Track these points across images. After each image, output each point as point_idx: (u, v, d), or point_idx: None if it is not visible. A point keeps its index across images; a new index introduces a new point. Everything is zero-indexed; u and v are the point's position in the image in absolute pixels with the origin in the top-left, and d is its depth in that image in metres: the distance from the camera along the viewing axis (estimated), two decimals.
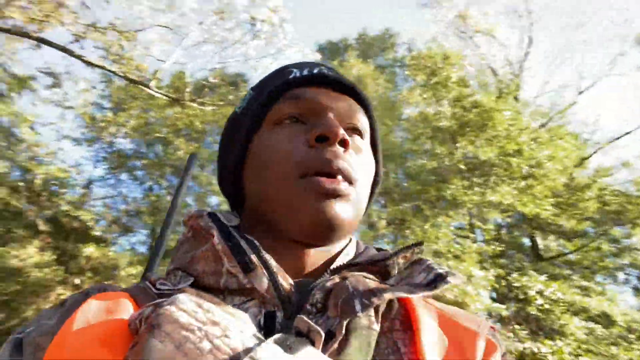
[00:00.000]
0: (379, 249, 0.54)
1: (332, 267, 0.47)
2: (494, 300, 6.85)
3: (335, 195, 0.46)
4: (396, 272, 0.48)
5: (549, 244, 9.94)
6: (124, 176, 10.52)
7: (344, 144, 0.48)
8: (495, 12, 11.24)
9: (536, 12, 11.10)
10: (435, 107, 8.08)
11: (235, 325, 0.36)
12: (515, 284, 6.77)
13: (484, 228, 7.54)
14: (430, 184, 7.64)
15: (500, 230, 9.52)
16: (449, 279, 0.44)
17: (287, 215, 0.47)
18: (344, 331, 0.39)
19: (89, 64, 6.45)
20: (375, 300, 0.40)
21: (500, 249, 8.19)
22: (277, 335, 0.36)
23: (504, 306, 6.22)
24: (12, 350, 0.41)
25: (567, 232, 9.44)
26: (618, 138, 10.25)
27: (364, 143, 0.54)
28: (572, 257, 9.75)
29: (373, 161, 0.55)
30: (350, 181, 0.48)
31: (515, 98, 10.03)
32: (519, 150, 7.27)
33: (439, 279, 0.44)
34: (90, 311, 0.40)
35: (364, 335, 0.41)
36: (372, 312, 0.43)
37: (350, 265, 0.47)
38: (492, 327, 0.48)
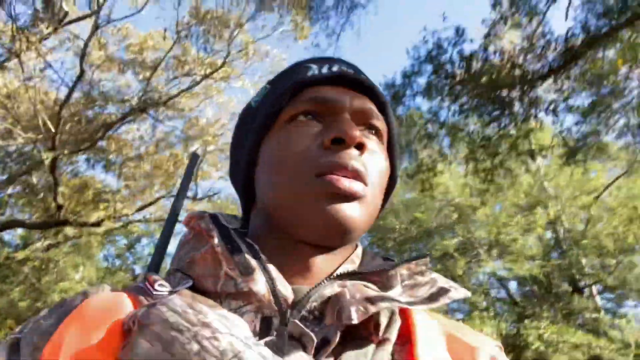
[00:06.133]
0: (386, 258, 0.53)
1: (333, 275, 0.46)
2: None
3: (351, 196, 0.45)
4: (399, 283, 0.47)
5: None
6: None
7: (360, 147, 0.48)
8: None
9: None
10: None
11: (227, 327, 0.35)
12: (520, 332, 8.95)
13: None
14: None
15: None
16: (451, 293, 0.44)
17: (299, 215, 0.46)
18: (338, 339, 0.39)
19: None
20: (371, 309, 0.40)
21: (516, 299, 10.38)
22: (267, 338, 0.38)
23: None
24: (9, 350, 0.40)
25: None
26: None
27: (380, 145, 0.53)
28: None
29: (388, 165, 0.54)
30: (365, 183, 0.47)
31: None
32: (499, 233, 9.89)
33: (441, 293, 0.44)
34: (88, 311, 0.40)
35: (360, 345, 0.41)
36: (370, 322, 0.42)
37: (352, 274, 0.46)
38: (497, 346, 0.49)
